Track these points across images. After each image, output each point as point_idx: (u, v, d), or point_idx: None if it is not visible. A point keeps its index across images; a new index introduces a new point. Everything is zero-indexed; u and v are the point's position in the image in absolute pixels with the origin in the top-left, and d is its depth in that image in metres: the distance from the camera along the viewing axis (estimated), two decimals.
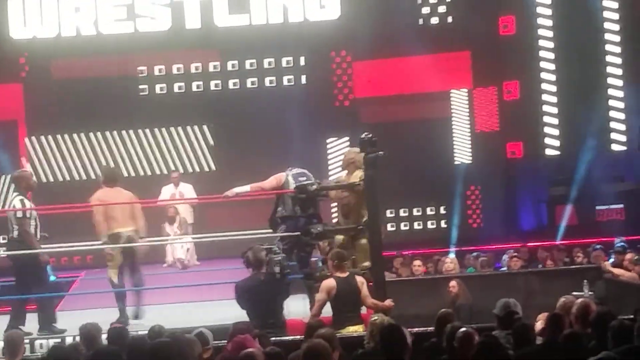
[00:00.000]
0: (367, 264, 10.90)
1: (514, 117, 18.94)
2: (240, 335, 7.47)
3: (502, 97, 19.04)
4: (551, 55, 19.05)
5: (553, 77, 19.04)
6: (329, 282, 9.94)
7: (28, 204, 11.06)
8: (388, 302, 10.00)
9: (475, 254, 15.78)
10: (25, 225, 10.95)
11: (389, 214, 18.73)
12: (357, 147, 10.96)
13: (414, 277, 14.07)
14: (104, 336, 8.27)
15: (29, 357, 9.63)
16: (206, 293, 12.50)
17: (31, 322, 10.97)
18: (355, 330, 9.57)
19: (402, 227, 19.01)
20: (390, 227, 18.67)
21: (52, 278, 12.32)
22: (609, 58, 19.07)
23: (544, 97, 19.06)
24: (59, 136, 18.66)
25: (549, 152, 19.13)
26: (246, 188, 11.39)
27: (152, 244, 14.61)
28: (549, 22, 19.03)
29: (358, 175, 11.02)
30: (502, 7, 19.03)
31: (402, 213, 19.01)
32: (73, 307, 12.26)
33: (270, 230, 11.29)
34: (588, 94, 18.80)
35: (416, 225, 19.08)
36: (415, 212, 19.07)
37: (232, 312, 9.82)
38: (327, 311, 10.00)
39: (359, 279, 10.06)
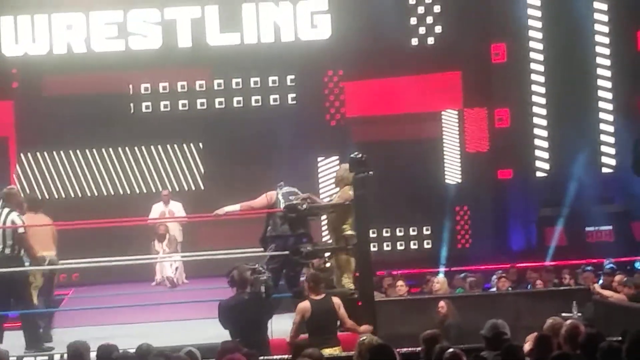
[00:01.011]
0: (347, 281, 10.93)
1: (505, 143, 18.95)
2: (231, 354, 7.44)
3: (494, 122, 19.04)
4: (542, 84, 19.06)
5: (544, 105, 19.05)
6: (304, 305, 9.90)
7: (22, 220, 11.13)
8: (364, 327, 9.91)
9: (463, 274, 15.75)
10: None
11: (385, 233, 18.78)
12: (347, 164, 10.99)
13: (403, 297, 14.04)
14: (92, 354, 8.24)
15: None
16: (194, 311, 12.46)
17: (19, 340, 10.94)
18: (330, 353, 9.38)
19: (399, 246, 19.01)
20: (386, 247, 18.73)
21: None
22: (600, 83, 19.11)
23: (535, 122, 19.05)
24: (47, 153, 18.61)
25: (539, 173, 19.15)
26: (236, 207, 11.41)
27: (141, 262, 14.65)
28: (541, 51, 19.04)
29: (346, 192, 11.02)
30: (494, 34, 19.05)
31: (397, 232, 19.01)
32: (61, 324, 12.21)
33: (259, 249, 11.28)
34: (578, 117, 18.81)
35: (412, 245, 19.06)
36: (411, 231, 19.05)
37: (219, 331, 9.79)
38: None
39: (336, 301, 9.99)
